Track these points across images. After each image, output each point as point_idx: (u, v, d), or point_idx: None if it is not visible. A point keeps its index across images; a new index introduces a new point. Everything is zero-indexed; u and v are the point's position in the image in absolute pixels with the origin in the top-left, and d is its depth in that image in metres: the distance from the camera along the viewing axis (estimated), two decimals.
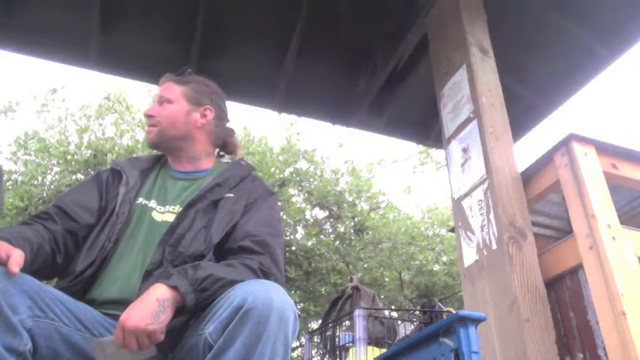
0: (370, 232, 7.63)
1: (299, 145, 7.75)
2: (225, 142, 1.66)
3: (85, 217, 1.38)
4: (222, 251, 1.34)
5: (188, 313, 1.15)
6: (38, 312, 1.06)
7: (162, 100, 1.54)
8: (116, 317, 1.19)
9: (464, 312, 1.22)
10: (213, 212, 1.37)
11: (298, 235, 7.66)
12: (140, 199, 1.43)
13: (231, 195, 1.41)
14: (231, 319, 1.01)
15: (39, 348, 1.05)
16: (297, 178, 7.41)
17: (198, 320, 1.13)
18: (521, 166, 2.04)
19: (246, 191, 1.45)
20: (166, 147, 1.53)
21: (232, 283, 1.13)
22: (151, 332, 1.06)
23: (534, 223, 2.09)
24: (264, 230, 1.36)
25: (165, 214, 1.39)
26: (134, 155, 6.72)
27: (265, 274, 1.25)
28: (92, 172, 6.40)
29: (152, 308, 1.08)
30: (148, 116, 1.52)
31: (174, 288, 1.11)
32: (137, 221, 1.38)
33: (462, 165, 2.16)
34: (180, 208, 1.38)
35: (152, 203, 1.42)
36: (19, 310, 1.01)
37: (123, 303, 1.17)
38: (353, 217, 7.68)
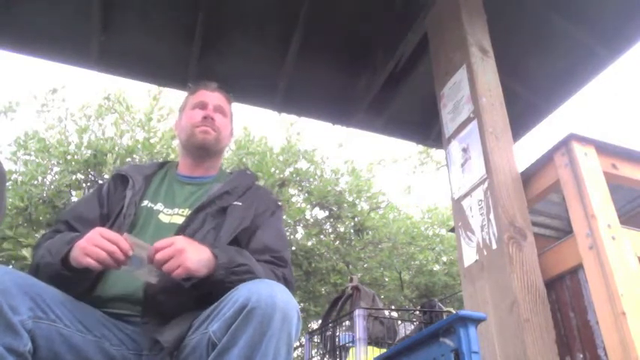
0: (370, 232, 7.63)
1: (299, 145, 7.74)
2: None
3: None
4: None
5: (200, 289, 1.20)
6: (39, 313, 1.06)
7: (218, 109, 1.61)
8: (119, 316, 1.20)
9: (464, 312, 1.22)
10: (222, 218, 1.41)
11: (298, 235, 7.66)
12: (145, 202, 1.45)
13: (240, 203, 1.46)
14: (235, 318, 1.02)
15: (39, 349, 1.05)
16: (297, 178, 7.41)
17: (201, 319, 1.14)
18: (521, 166, 2.04)
19: (253, 200, 1.51)
20: (212, 152, 1.59)
21: None
22: (186, 267, 1.13)
23: (534, 223, 2.09)
24: (281, 244, 1.45)
25: (173, 216, 1.42)
26: (134, 158, 6.70)
27: (287, 283, 1.33)
28: (92, 172, 6.40)
29: (202, 258, 1.16)
30: (212, 119, 1.56)
31: (215, 256, 1.18)
32: (143, 223, 1.41)
33: (462, 165, 2.16)
34: (190, 211, 1.41)
35: (159, 206, 1.45)
36: (20, 311, 1.02)
37: (127, 300, 1.20)
38: (353, 217, 7.67)
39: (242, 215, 1.43)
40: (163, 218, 1.42)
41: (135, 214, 1.40)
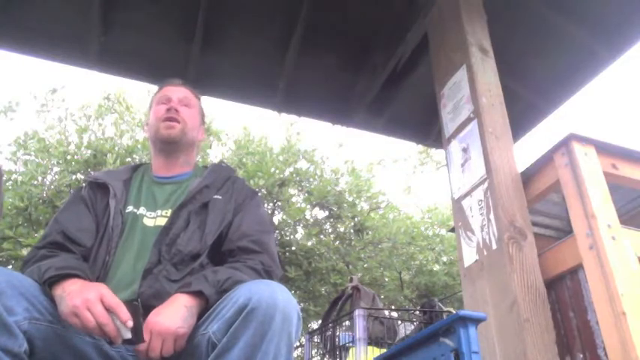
0: (370, 232, 7.63)
1: (299, 145, 7.75)
2: None
3: (91, 241, 1.38)
4: (221, 252, 1.38)
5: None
6: (36, 314, 1.06)
7: (184, 102, 1.59)
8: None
9: (464, 312, 1.22)
10: (205, 214, 1.40)
11: (298, 235, 7.66)
12: (129, 208, 1.44)
13: (219, 197, 1.46)
14: (235, 319, 1.02)
15: (36, 350, 1.05)
16: (297, 178, 7.41)
17: (201, 320, 1.14)
18: (521, 166, 2.04)
19: (232, 192, 1.50)
20: (180, 145, 1.56)
21: None
22: (181, 336, 1.09)
23: (534, 223, 2.09)
24: (258, 229, 1.42)
25: (157, 218, 1.42)
26: (134, 158, 6.68)
27: (268, 274, 1.31)
28: (92, 172, 6.38)
29: (181, 312, 1.11)
30: (175, 111, 1.55)
31: (197, 293, 1.14)
32: (130, 229, 1.40)
33: (462, 165, 2.16)
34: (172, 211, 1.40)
35: (142, 210, 1.44)
36: (15, 312, 1.02)
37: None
38: (353, 217, 7.68)
39: (224, 210, 1.43)
40: (148, 222, 1.41)
41: (122, 222, 1.39)
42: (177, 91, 1.61)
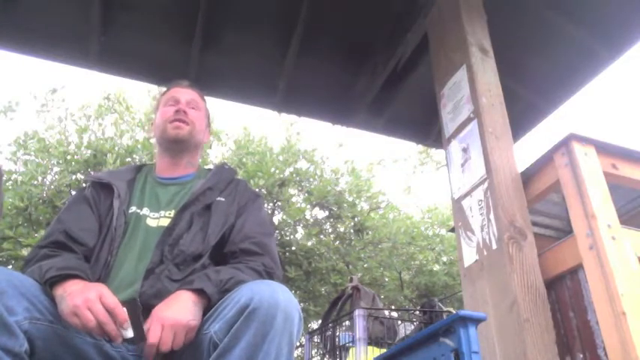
0: (370, 232, 7.63)
1: (299, 145, 7.75)
2: None
3: (93, 240, 1.38)
4: (222, 254, 1.38)
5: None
6: (36, 314, 1.06)
7: (192, 105, 1.61)
8: None
9: (464, 312, 1.22)
10: (208, 215, 1.41)
11: (298, 235, 7.66)
12: (133, 208, 1.45)
13: (222, 199, 1.47)
14: (237, 319, 1.02)
15: (37, 350, 1.05)
16: (297, 178, 7.41)
17: (202, 320, 1.14)
18: (521, 166, 2.04)
19: (235, 195, 1.51)
20: (187, 146, 1.58)
21: None
22: (192, 328, 1.10)
23: (534, 223, 2.09)
24: (260, 231, 1.44)
25: (160, 219, 1.42)
26: (134, 158, 6.68)
27: (269, 275, 1.32)
28: (92, 172, 6.39)
29: (190, 306, 1.12)
30: (184, 112, 1.56)
31: (199, 291, 1.15)
32: (133, 230, 1.40)
33: (462, 165, 2.16)
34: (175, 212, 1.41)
35: (145, 211, 1.44)
36: (16, 312, 1.02)
37: (124, 305, 1.18)
38: (353, 217, 7.68)
39: (226, 212, 1.44)
40: (151, 223, 1.41)
41: (125, 223, 1.40)
42: (186, 93, 1.63)
